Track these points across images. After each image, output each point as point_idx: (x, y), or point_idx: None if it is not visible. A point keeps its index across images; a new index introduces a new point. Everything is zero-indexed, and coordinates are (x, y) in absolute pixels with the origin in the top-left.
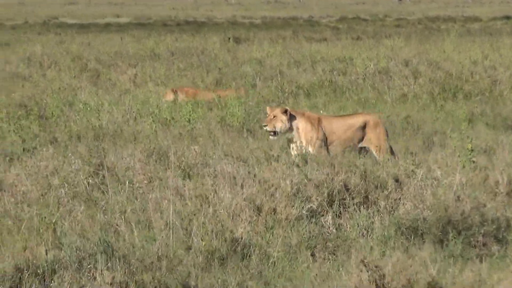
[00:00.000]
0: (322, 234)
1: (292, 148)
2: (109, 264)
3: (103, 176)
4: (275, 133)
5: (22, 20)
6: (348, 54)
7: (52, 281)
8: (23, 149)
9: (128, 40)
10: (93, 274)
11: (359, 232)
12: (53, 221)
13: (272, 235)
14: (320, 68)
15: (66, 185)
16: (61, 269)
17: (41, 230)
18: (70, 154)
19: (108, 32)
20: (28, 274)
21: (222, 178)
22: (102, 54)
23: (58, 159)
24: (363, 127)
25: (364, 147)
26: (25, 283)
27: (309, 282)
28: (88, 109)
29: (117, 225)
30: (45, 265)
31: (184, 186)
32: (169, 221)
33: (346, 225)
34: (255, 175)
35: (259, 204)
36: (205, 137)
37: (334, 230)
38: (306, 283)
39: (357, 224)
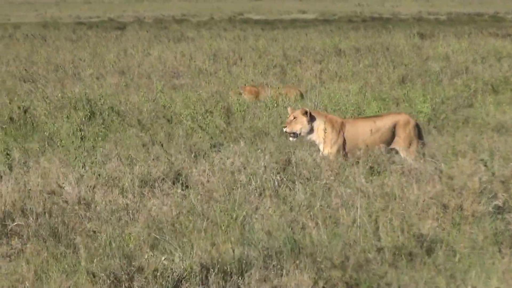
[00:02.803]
0: (508, 230)
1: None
2: (296, 262)
3: (291, 173)
4: (295, 134)
5: (208, 16)
6: None
7: (239, 279)
8: (210, 145)
9: (314, 36)
10: (280, 271)
11: None
12: (240, 218)
13: (459, 232)
14: (506, 64)
15: (253, 181)
16: (248, 267)
17: (228, 227)
18: (259, 151)
19: (294, 28)
20: (215, 272)
21: (408, 175)
22: (288, 50)
23: (245, 155)
24: (393, 128)
25: (394, 148)
26: (212, 280)
27: (497, 279)
28: (274, 105)
29: (304, 222)
30: (232, 262)
31: (371, 183)
32: (356, 218)
33: None
34: (441, 172)
35: (446, 201)
36: None
37: None
38: (493, 280)
39: None
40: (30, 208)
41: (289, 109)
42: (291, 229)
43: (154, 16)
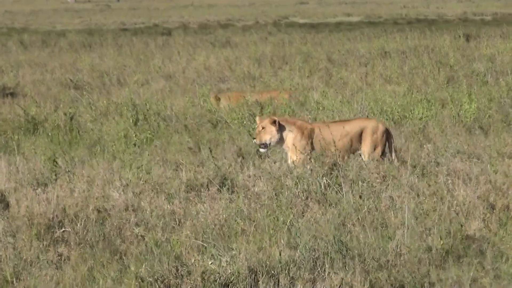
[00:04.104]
0: None
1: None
2: (343, 264)
3: (336, 176)
4: (265, 145)
5: (253, 21)
6: None
7: (287, 282)
8: (256, 150)
9: (359, 39)
10: (327, 273)
11: None
12: (287, 221)
13: (506, 232)
14: None
15: (299, 185)
16: (295, 270)
17: (275, 230)
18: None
19: (339, 31)
20: (262, 275)
21: (454, 176)
22: (333, 53)
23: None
24: (361, 132)
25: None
26: (260, 284)
27: None
28: (321, 108)
29: (352, 224)
30: (279, 265)
31: (418, 184)
32: (404, 220)
33: None
34: (488, 173)
35: (493, 201)
36: (437, 135)
37: None
38: None
39: None
40: (77, 215)
41: (257, 118)
42: (338, 231)
43: (199, 21)
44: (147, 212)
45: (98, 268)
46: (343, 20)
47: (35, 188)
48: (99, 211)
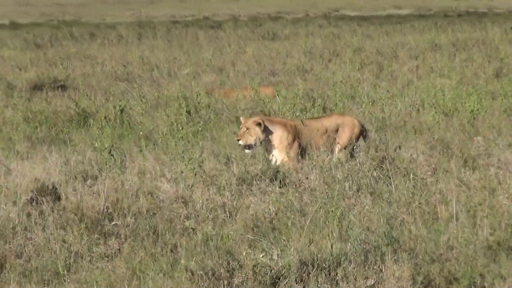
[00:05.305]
0: None
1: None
2: (395, 257)
3: (387, 169)
4: (250, 146)
5: (303, 13)
6: None
7: (337, 275)
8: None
9: (409, 32)
10: (379, 267)
11: None
12: (338, 214)
13: None
14: None
15: (350, 178)
16: (346, 262)
17: (326, 223)
18: (354, 147)
19: (389, 24)
20: (314, 268)
21: (505, 168)
22: (383, 46)
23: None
24: (337, 128)
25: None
26: (311, 276)
27: None
28: (371, 101)
29: (402, 217)
30: (330, 258)
31: (469, 177)
32: (454, 213)
33: None
34: None
35: None
36: (488, 127)
37: None
38: None
39: None
40: (128, 208)
41: (242, 118)
42: (389, 224)
43: (249, 14)
44: (198, 204)
45: (149, 261)
46: (393, 12)
47: (86, 180)
48: (149, 204)
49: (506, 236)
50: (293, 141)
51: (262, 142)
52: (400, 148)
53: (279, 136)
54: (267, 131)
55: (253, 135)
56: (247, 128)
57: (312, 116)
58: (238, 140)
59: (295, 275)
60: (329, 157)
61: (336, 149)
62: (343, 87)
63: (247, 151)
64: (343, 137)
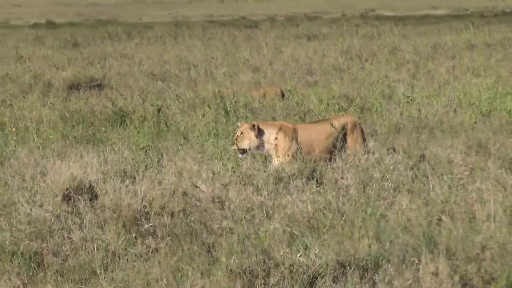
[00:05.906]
0: None
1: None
2: (432, 256)
3: (424, 169)
4: (244, 151)
5: (340, 13)
6: None
7: (375, 275)
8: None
9: (445, 32)
10: (416, 266)
11: None
12: (376, 214)
13: None
14: None
15: (387, 177)
16: (384, 262)
17: (363, 223)
18: (393, 146)
19: (425, 24)
20: (351, 268)
21: None
22: (420, 46)
23: (379, 151)
24: (343, 130)
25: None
26: (348, 276)
27: None
28: (408, 101)
29: (439, 217)
30: (368, 258)
31: (506, 177)
32: (492, 212)
33: None
34: None
35: None
36: None
37: None
38: None
39: None
40: (165, 207)
41: (239, 124)
42: (426, 224)
43: (286, 14)
44: (235, 204)
45: (186, 260)
46: (430, 13)
47: (123, 179)
48: (186, 203)
49: None
50: (291, 143)
51: (256, 147)
52: (437, 148)
53: (273, 139)
54: (261, 135)
55: (247, 139)
56: (241, 133)
57: (315, 120)
58: (232, 145)
59: (332, 275)
60: (364, 156)
61: (352, 149)
62: (379, 87)
63: (240, 155)
64: (350, 138)
